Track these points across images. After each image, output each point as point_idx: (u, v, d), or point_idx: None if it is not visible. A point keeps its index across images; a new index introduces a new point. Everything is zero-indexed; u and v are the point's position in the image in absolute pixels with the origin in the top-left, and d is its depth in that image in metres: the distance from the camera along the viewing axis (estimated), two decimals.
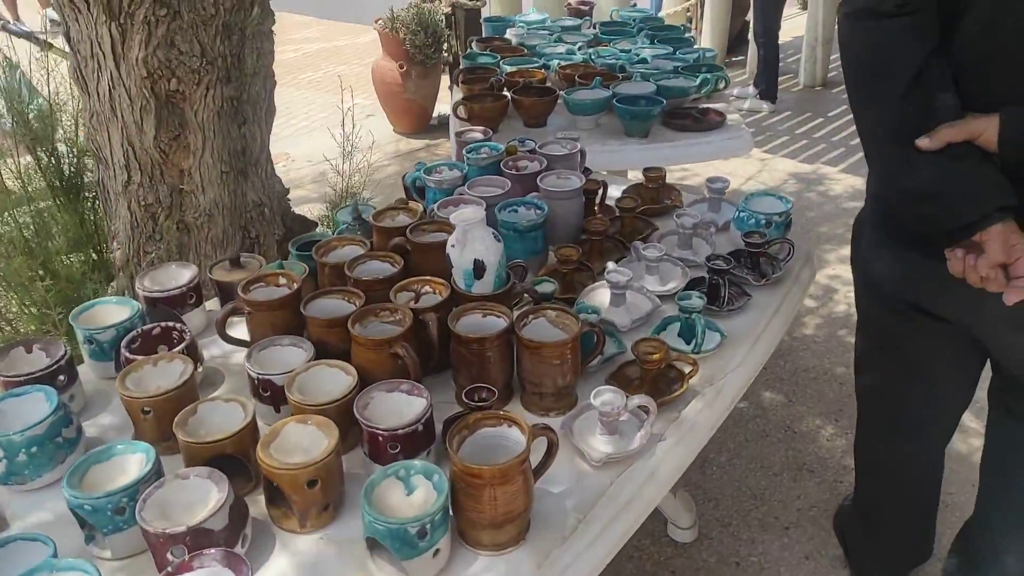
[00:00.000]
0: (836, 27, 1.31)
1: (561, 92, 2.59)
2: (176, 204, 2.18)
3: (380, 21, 4.61)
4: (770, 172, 4.34)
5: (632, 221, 1.86)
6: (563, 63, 2.88)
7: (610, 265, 1.60)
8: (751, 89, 5.32)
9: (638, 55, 2.94)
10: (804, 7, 6.64)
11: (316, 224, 2.51)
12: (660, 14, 6.16)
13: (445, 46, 4.76)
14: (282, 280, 1.48)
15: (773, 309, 1.61)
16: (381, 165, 4.71)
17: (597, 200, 1.95)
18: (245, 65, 2.12)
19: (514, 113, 2.59)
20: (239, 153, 2.19)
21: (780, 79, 5.26)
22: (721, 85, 2.74)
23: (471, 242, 1.37)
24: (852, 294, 3.56)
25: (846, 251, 3.78)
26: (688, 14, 6.25)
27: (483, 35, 3.53)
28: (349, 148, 3.00)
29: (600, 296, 1.60)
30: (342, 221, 1.82)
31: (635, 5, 5.67)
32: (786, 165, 4.44)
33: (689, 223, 1.73)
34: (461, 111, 2.49)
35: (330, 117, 6.20)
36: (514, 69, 2.83)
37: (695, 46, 3.10)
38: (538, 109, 2.55)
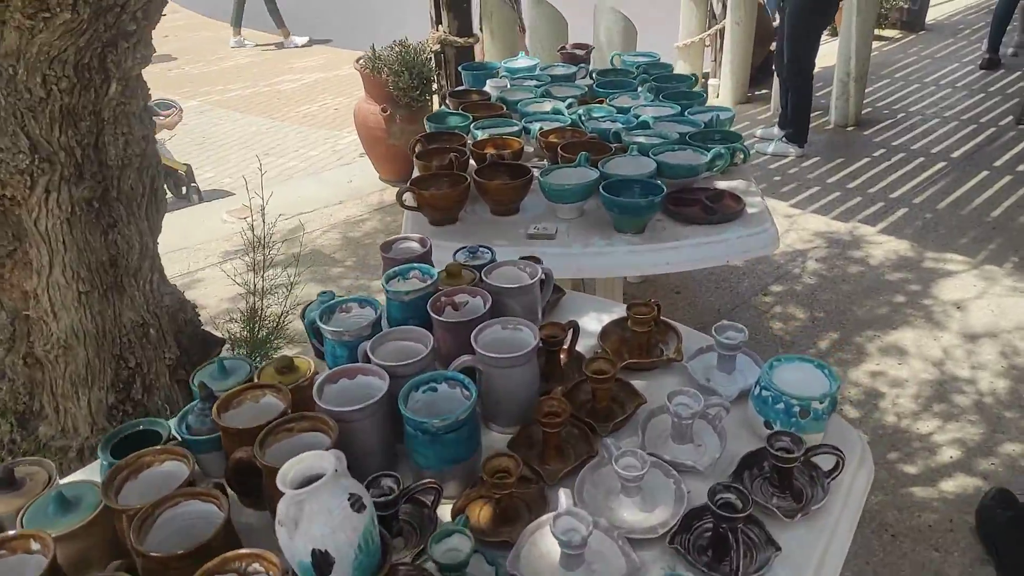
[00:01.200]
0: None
1: (537, 171, 2.04)
2: (21, 334, 1.66)
3: (360, 61, 4.10)
4: (798, 232, 3.74)
5: (606, 391, 1.29)
6: (546, 127, 2.33)
7: (562, 501, 1.03)
8: (776, 130, 4.72)
9: (638, 116, 2.37)
10: (834, 33, 6.04)
11: (223, 342, 1.97)
12: (675, 44, 5.60)
13: (434, 87, 4.23)
14: (35, 545, 0.93)
15: (815, 565, 1.03)
16: (360, 219, 4.19)
17: (564, 346, 1.39)
18: (107, 156, 1.59)
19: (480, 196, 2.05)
20: (106, 265, 1.66)
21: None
22: (739, 159, 2.17)
23: (307, 520, 0.81)
24: (902, 399, 2.96)
25: (891, 338, 3.13)
26: (706, 44, 5.68)
27: (462, 84, 2.99)
28: (260, 249, 2.36)
29: (547, 544, 1.04)
30: (197, 388, 1.27)
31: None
32: (816, 223, 3.83)
33: (686, 412, 1.16)
34: (408, 199, 1.94)
35: (321, 157, 5.72)
36: (485, 136, 2.28)
37: (707, 103, 2.53)
38: (506, 195, 1.99)
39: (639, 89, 2.65)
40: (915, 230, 3.70)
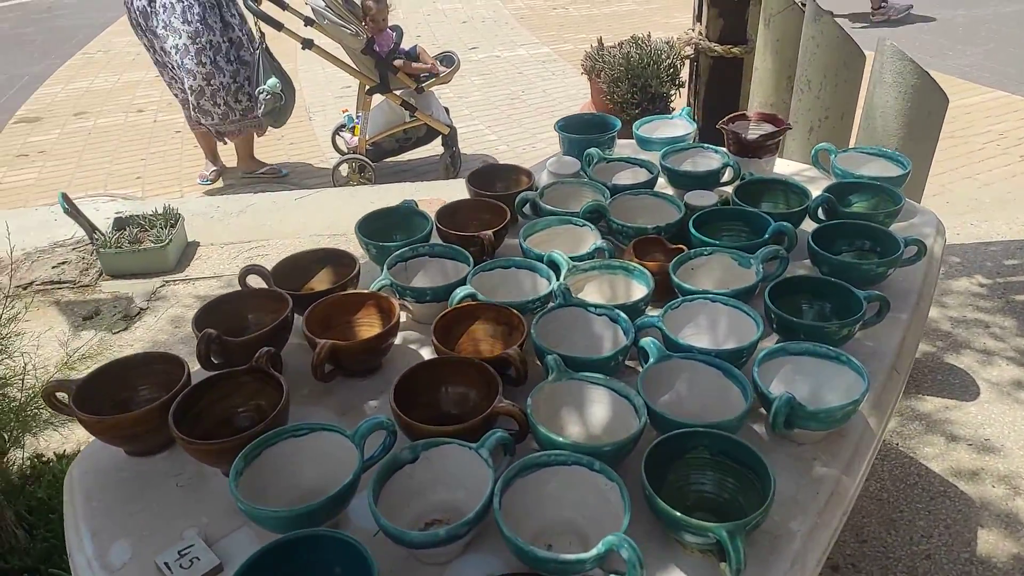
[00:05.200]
0: None
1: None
2: None
3: (587, 54, 3.06)
4: None
5: None
6: (481, 298, 1.22)
7: None
8: None
9: (657, 339, 1.11)
10: None
11: None
12: None
13: (676, 102, 3.01)
14: None
15: None
16: None
17: None
18: None
19: None
20: None
21: None
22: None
23: None
24: None
25: None
26: None
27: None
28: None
29: None
30: None
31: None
32: None
33: None
34: (63, 399, 1.10)
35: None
36: (381, 283, 1.28)
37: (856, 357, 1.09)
38: (207, 459, 1.03)
39: (760, 252, 1.29)
40: None
